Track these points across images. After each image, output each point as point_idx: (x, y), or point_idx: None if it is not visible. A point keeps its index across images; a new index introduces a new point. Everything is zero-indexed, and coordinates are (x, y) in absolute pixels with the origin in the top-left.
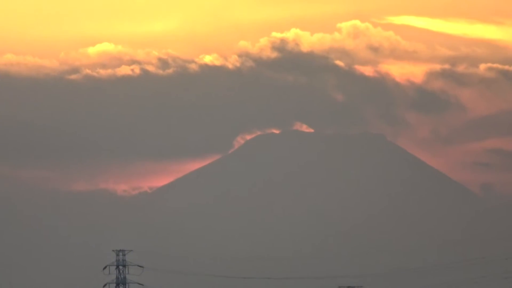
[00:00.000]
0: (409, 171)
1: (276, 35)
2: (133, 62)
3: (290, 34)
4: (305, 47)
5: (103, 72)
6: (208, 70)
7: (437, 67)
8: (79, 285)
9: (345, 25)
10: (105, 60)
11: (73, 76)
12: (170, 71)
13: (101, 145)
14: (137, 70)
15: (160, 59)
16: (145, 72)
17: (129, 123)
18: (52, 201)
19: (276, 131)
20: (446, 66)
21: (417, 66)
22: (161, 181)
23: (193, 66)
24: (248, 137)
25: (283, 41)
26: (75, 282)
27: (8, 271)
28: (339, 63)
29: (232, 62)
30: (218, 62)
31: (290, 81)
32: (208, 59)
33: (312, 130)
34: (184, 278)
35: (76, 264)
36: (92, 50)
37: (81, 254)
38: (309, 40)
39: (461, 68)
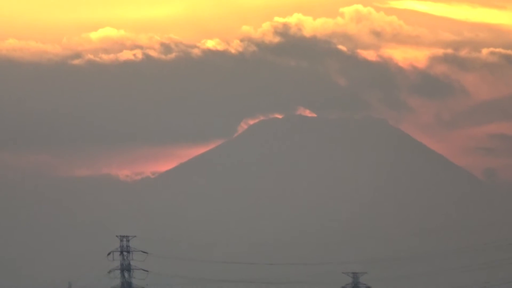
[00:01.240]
0: (411, 156)
1: (279, 19)
2: (135, 47)
3: (293, 19)
4: (307, 32)
5: (105, 57)
6: (211, 55)
7: (440, 51)
8: (83, 271)
9: (348, 10)
10: (108, 45)
11: (75, 61)
12: (172, 56)
13: (103, 130)
14: (139, 55)
15: (162, 44)
16: (147, 57)
17: (132, 108)
18: (54, 187)
19: (279, 116)
20: (449, 51)
21: (420, 51)
22: (164, 166)
23: (195, 51)
24: (252, 122)
25: (285, 25)
26: (79, 268)
27: (11, 258)
28: (342, 47)
29: (235, 47)
30: (220, 47)
31: (293, 66)
32: (210, 44)
33: (315, 115)
34: (187, 264)
35: (80, 250)
36: (94, 35)
37: (84, 240)
38: (311, 25)
39: (463, 53)
